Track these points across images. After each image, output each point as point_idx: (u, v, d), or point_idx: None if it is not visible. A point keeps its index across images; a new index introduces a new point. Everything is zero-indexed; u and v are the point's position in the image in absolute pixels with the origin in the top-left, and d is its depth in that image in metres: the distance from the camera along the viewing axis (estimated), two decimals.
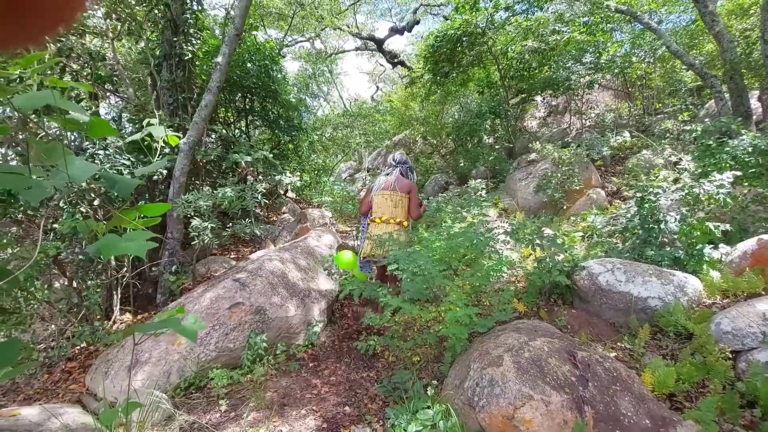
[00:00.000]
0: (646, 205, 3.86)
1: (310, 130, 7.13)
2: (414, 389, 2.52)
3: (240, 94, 6.01)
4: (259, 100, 5.99)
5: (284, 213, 7.73)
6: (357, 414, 2.56)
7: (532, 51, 7.92)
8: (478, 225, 4.47)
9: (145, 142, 4.34)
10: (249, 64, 5.56)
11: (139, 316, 4.30)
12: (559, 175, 6.57)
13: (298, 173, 5.80)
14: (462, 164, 9.73)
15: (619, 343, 2.99)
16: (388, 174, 3.72)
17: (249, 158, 4.40)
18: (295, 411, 2.61)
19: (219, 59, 4.08)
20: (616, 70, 7.78)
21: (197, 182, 4.59)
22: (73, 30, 3.93)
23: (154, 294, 4.45)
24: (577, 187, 6.46)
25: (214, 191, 3.84)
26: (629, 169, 6.99)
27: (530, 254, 5.24)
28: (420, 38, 15.91)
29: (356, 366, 3.23)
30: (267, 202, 4.07)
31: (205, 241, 3.69)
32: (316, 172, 7.37)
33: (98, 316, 4.11)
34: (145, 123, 1.18)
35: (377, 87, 23.57)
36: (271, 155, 5.07)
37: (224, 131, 4.94)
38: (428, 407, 2.14)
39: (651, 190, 3.87)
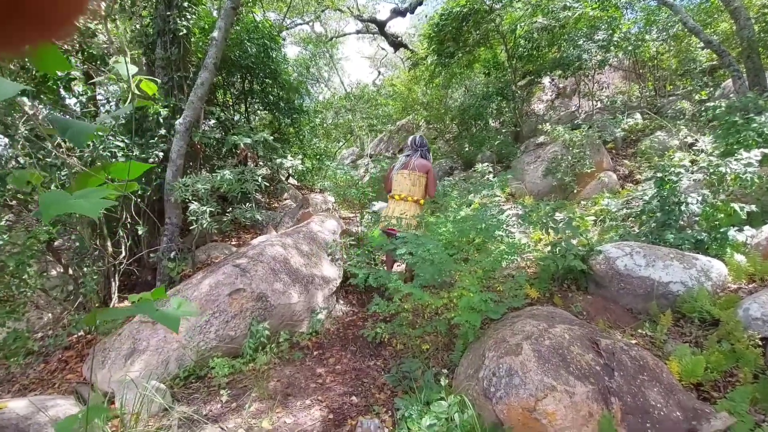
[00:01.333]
0: (666, 186, 3.66)
1: (312, 113, 6.91)
2: (424, 378, 2.38)
3: (239, 75, 5.79)
4: (258, 81, 5.77)
5: (286, 199, 7.57)
6: (364, 404, 2.43)
7: (541, 29, 7.61)
8: (488, 208, 4.30)
9: (137, 122, 4.17)
10: (247, 43, 5.33)
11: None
12: (569, 157, 6.35)
13: (300, 157, 5.61)
14: (467, 149, 9.49)
15: (639, 330, 2.84)
16: (408, 155, 3.94)
17: (248, 140, 4.21)
18: (299, 401, 2.49)
19: (215, 34, 3.87)
20: (629, 48, 7.48)
21: (196, 166, 4.42)
22: None
23: (153, 281, 4.33)
24: (588, 170, 6.24)
25: (213, 174, 3.67)
26: (642, 152, 6.76)
27: (541, 238, 5.08)
28: (423, 18, 15.45)
29: (362, 354, 3.10)
30: (267, 185, 3.90)
31: (204, 226, 3.54)
32: (318, 156, 7.17)
33: (96, 304, 4.00)
34: (111, 61, 1.00)
35: (379, 72, 23.12)
36: (272, 138, 4.89)
37: (222, 114, 4.74)
38: (442, 399, 2.00)
39: (672, 170, 3.67)
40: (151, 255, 4.03)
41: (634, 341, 2.70)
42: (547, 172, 6.68)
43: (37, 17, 0.25)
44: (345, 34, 18.58)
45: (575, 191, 6.38)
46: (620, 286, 3.20)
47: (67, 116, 3.84)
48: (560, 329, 2.11)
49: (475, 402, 1.96)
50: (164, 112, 4.04)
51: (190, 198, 3.73)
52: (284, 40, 10.93)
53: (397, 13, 16.98)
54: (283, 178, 8.80)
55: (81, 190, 0.62)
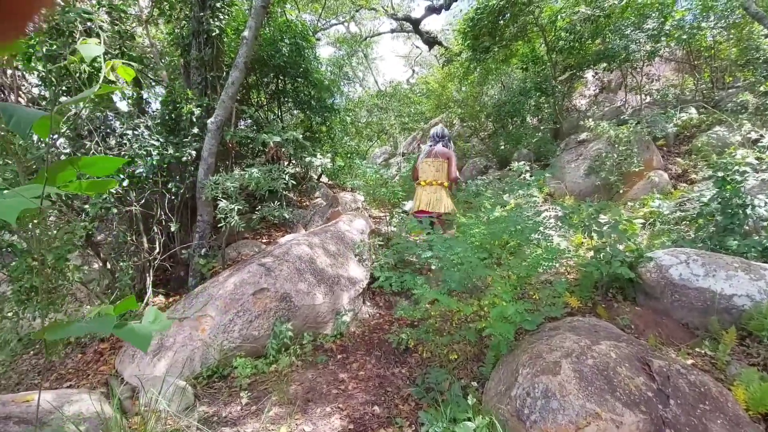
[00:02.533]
0: (729, 187, 3.28)
1: (343, 112, 6.86)
2: (451, 392, 2.22)
3: (272, 75, 5.83)
4: (291, 80, 5.78)
5: (317, 198, 7.58)
6: (387, 416, 2.30)
7: (584, 20, 7.16)
8: (524, 209, 4.05)
9: (173, 122, 4.25)
10: (280, 43, 5.35)
11: (170, 299, 4.28)
12: (615, 155, 5.92)
13: (329, 156, 5.56)
14: (502, 147, 9.13)
15: (696, 349, 2.53)
16: (430, 145, 4.49)
17: (278, 138, 4.20)
18: (319, 408, 2.40)
19: (245, 33, 3.87)
20: (683, 37, 6.88)
21: (228, 164, 4.46)
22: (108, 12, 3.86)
23: (186, 277, 4.41)
24: (636, 169, 5.79)
25: (242, 173, 3.67)
26: (698, 149, 6.19)
27: (582, 242, 4.75)
28: (458, 14, 15.11)
29: (387, 360, 2.97)
30: (294, 183, 3.86)
31: (231, 224, 3.54)
32: (349, 155, 7.12)
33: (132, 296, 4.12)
34: (78, 42, 0.93)
35: (413, 71, 22.91)
36: (302, 136, 4.86)
37: (255, 113, 4.76)
38: (468, 418, 1.84)
39: (735, 168, 3.28)
40: (183, 252, 4.10)
41: (690, 361, 2.40)
42: (589, 171, 6.27)
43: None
44: (379, 34, 18.53)
45: (621, 192, 5.94)
46: (674, 297, 2.88)
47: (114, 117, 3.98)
48: (605, 346, 1.89)
49: (508, 424, 1.78)
50: (197, 111, 4.09)
51: (220, 196, 3.75)
52: (319, 40, 11.00)
53: (432, 10, 16.71)
54: (315, 177, 8.85)
55: (18, 188, 0.53)
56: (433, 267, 3.70)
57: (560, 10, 7.44)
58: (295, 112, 6.92)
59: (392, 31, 18.49)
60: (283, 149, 4.74)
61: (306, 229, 6.03)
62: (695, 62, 8.68)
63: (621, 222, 3.30)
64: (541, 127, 9.07)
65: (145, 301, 4.13)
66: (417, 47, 20.91)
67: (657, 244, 3.80)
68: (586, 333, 2.19)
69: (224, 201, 3.57)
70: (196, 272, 4.23)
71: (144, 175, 3.71)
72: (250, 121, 5.29)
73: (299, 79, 5.78)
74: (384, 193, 4.85)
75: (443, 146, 4.38)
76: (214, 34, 4.06)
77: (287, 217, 4.11)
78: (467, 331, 2.48)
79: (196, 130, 4.06)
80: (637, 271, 3.23)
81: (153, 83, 5.12)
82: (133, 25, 3.81)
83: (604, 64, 7.51)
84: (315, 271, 3.46)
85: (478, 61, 8.39)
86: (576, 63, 7.74)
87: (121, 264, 3.89)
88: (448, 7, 16.34)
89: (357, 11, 13.63)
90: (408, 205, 5.86)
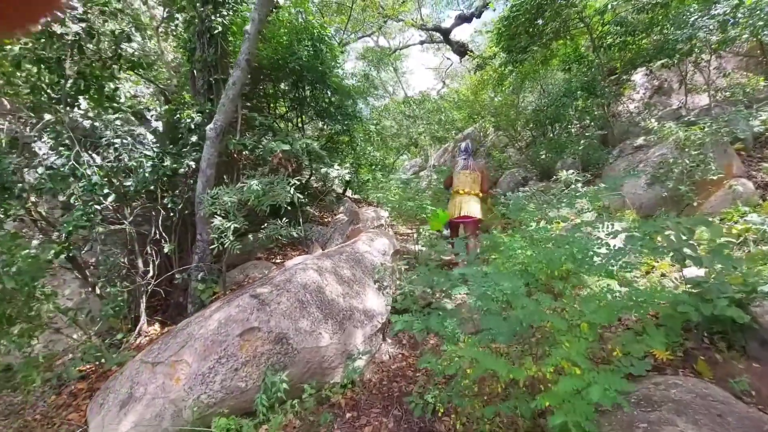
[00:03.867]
0: None
1: (366, 121, 6.33)
2: None
3: (290, 80, 5.40)
4: (309, 85, 5.32)
5: (340, 213, 7.05)
6: None
7: (637, 10, 6.32)
8: (579, 226, 3.28)
9: (173, 129, 3.83)
10: (297, 46, 4.92)
11: (166, 328, 3.80)
12: (686, 161, 4.98)
13: (349, 167, 5.01)
14: (543, 156, 8.28)
15: None
16: (465, 158, 4.76)
17: (287, 147, 3.68)
18: None
19: (248, 27, 3.41)
20: (760, 24, 5.87)
21: (233, 177, 3.99)
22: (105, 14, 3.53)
23: (186, 303, 3.93)
24: (714, 177, 4.82)
25: (240, 185, 3.15)
26: None
27: (652, 267, 3.90)
28: (489, 23, 14.42)
29: (409, 425, 2.27)
30: (302, 197, 3.29)
31: (226, 245, 3.00)
32: (373, 166, 6.55)
33: (123, 327, 3.67)
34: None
35: (444, 83, 22.39)
36: (317, 145, 4.33)
37: (273, 122, 4.31)
38: None
39: None
40: (177, 276, 3.61)
41: None
42: (653, 180, 5.33)
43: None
44: (408, 45, 18.19)
45: (694, 204, 4.96)
46: None
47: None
48: None
49: None
50: (198, 117, 3.65)
51: (219, 212, 3.24)
52: (343, 53, 10.66)
53: (463, 19, 16.18)
54: (339, 191, 8.35)
55: None
56: (467, 299, 3.00)
57: (607, 5, 6.63)
58: (317, 121, 6.48)
59: (422, 42, 18.09)
60: (291, 159, 4.22)
61: (325, 248, 5.46)
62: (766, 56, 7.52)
63: (726, 246, 2.47)
64: (586, 134, 8.16)
65: (137, 330, 3.67)
66: (447, 58, 20.42)
67: (765, 273, 2.89)
68: (704, 416, 1.42)
69: (219, 218, 3.04)
70: (195, 298, 3.73)
71: (133, 189, 3.26)
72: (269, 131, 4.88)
73: (318, 85, 5.32)
74: (411, 208, 4.20)
75: (474, 160, 4.82)
76: (216, 32, 3.64)
77: (295, 236, 3.53)
78: (518, 401, 1.75)
79: (195, 139, 3.61)
80: (749, 311, 2.38)
81: (160, 90, 4.80)
82: (130, 25, 3.43)
83: (662, 60, 6.59)
84: (322, 303, 2.84)
85: (515, 63, 7.67)
86: (628, 60, 6.85)
87: (110, 290, 3.45)
88: (479, 15, 15.78)
89: (384, 22, 13.26)
90: (446, 231, 5.18)
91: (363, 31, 14.62)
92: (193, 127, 3.58)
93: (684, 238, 2.43)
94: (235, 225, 3.06)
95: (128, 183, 3.22)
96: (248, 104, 4.75)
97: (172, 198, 3.57)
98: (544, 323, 1.78)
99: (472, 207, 4.50)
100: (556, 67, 8.45)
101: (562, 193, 5.28)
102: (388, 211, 5.15)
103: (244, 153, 4.19)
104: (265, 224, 3.69)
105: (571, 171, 5.75)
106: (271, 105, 5.81)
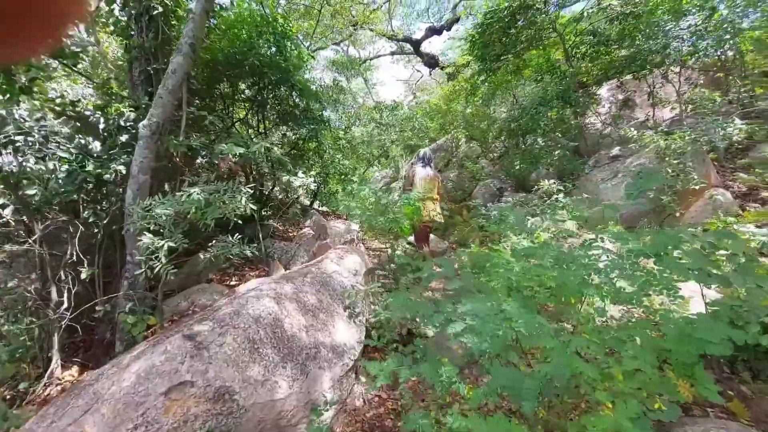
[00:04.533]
0: None
1: (335, 128, 5.85)
2: None
3: (251, 80, 4.84)
4: (271, 85, 4.78)
5: (306, 227, 6.47)
6: None
7: (610, 19, 6.28)
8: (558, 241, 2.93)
9: (97, 126, 3.18)
10: (257, 41, 4.40)
11: (87, 373, 3.08)
12: (667, 170, 4.82)
13: (315, 175, 4.49)
14: (517, 167, 8.10)
15: None
16: (424, 166, 4.94)
17: (241, 150, 3.12)
18: None
19: (193, 5, 2.87)
20: (726, 36, 5.94)
21: (174, 184, 3.36)
22: None
23: (114, 339, 3.23)
24: (697, 187, 4.68)
25: (178, 195, 2.56)
26: (761, 163, 5.12)
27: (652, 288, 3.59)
28: (463, 32, 14.42)
29: None
30: (254, 208, 2.73)
31: (155, 269, 2.40)
32: (343, 176, 6.05)
33: (31, 372, 2.93)
34: None
35: (414, 95, 22.34)
36: (279, 150, 3.80)
37: (217, 118, 3.73)
38: None
39: None
40: (103, 306, 2.93)
41: None
42: (633, 190, 5.15)
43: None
44: (379, 56, 17.98)
45: (677, 214, 4.80)
46: None
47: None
48: None
49: None
50: (131, 113, 3.03)
51: (151, 227, 2.62)
52: (313, 58, 10.19)
53: (433, 31, 16.18)
54: (306, 202, 7.76)
55: None
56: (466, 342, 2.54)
57: (582, 12, 6.57)
58: (283, 129, 5.92)
59: (392, 53, 17.94)
60: (250, 166, 3.66)
61: (289, 267, 4.87)
62: (726, 70, 7.74)
63: (755, 262, 2.15)
64: (559, 145, 8.07)
65: (47, 374, 2.94)
66: (418, 71, 20.39)
67: None
68: None
69: (148, 235, 2.44)
70: (124, 334, 3.05)
71: (41, 199, 2.60)
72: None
73: (281, 86, 4.79)
74: (383, 223, 3.73)
75: (431, 168, 5.03)
76: (156, 12, 3.06)
77: (249, 255, 2.96)
78: None
79: (126, 138, 2.98)
80: None
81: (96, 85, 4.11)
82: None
83: (633, 72, 6.57)
84: (280, 340, 2.28)
85: (488, 71, 7.48)
86: (600, 71, 6.80)
87: (10, 327, 2.72)
88: (449, 28, 15.84)
89: (354, 28, 12.92)
90: (410, 238, 4.84)
91: (332, 38, 14.23)
92: (123, 124, 2.95)
93: (705, 252, 2.09)
94: (170, 244, 2.46)
95: (32, 191, 2.55)
96: (199, 103, 4.15)
97: (95, 211, 2.90)
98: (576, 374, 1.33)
99: (434, 213, 4.76)
100: (528, 78, 8.36)
101: (545, 204, 5.00)
102: (359, 225, 4.65)
103: (192, 158, 3.58)
104: (214, 241, 3.09)
105: (552, 181, 5.48)
106: (229, 107, 5.21)
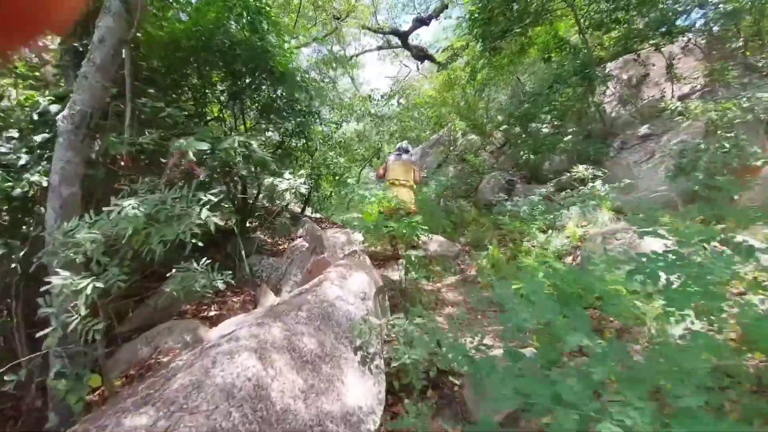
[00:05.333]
0: None
1: (327, 120, 5.07)
2: None
3: (223, 68, 4.04)
4: (248, 72, 3.99)
5: (298, 238, 5.67)
6: None
7: None
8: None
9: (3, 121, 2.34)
10: (230, 22, 3.62)
11: None
12: (723, 144, 4.10)
13: (305, 176, 3.70)
14: (524, 156, 7.37)
15: None
16: (398, 154, 4.89)
17: (205, 146, 2.32)
18: None
19: None
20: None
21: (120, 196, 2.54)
22: None
23: (46, 410, 2.42)
24: (758, 162, 3.97)
25: (107, 212, 1.76)
26: None
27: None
28: (451, 24, 13.66)
29: None
30: (219, 223, 1.93)
31: (72, 325, 1.61)
32: (337, 177, 5.26)
33: None
34: None
35: (403, 92, 21.55)
36: (258, 146, 3.02)
37: (176, 109, 2.93)
38: None
39: None
40: (19, 369, 2.12)
41: None
42: (677, 172, 4.44)
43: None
44: (365, 51, 17.19)
45: (735, 197, 4.09)
46: None
47: None
48: None
49: None
50: (52, 106, 2.23)
51: (77, 257, 1.82)
52: (294, 54, 9.37)
53: (421, 21, 15.41)
54: (298, 209, 6.95)
55: None
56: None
57: None
58: (265, 124, 5.10)
59: (379, 48, 17.15)
60: (232, 168, 2.87)
61: (280, 290, 4.08)
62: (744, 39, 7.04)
63: None
64: (573, 129, 7.35)
65: None
66: (405, 66, 19.62)
67: None
68: None
69: (63, 273, 1.64)
70: (57, 402, 2.25)
71: None
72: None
73: (259, 72, 4.00)
74: (396, 230, 2.96)
75: (408, 156, 4.99)
76: None
77: (221, 287, 2.17)
78: None
79: (42, 138, 2.18)
80: None
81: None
82: None
83: (655, 43, 5.85)
84: (265, 422, 1.50)
85: (491, 51, 6.74)
86: (619, 41, 6.08)
87: None
88: (437, 16, 15.11)
89: (338, 20, 12.10)
90: None
91: (315, 33, 13.40)
92: (39, 118, 2.15)
93: None
94: (98, 284, 1.66)
95: None
96: (156, 93, 3.33)
97: (5, 241, 2.09)
98: None
99: (406, 197, 4.56)
100: (534, 58, 7.64)
101: (580, 194, 4.27)
102: (362, 234, 3.86)
103: (146, 162, 2.79)
104: (175, 269, 2.28)
105: (585, 166, 4.74)
106: (200, 100, 4.39)
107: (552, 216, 4.53)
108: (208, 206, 1.81)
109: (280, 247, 5.67)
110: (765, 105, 4.12)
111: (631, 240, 3.35)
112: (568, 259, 4.13)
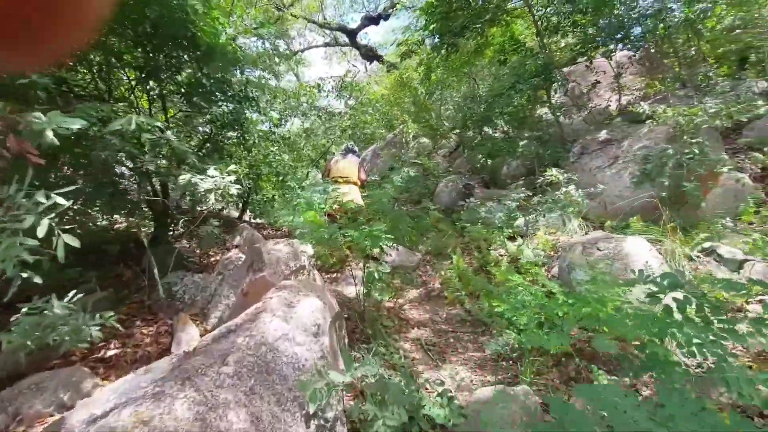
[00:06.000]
0: None
1: (266, 111, 4.31)
2: None
3: (130, 35, 3.14)
4: (162, 41, 3.14)
5: (234, 247, 4.82)
6: None
7: None
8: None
9: None
10: None
11: None
12: (679, 153, 3.98)
13: (240, 173, 2.95)
14: (482, 160, 7.12)
15: None
16: (344, 154, 5.04)
17: (78, 124, 1.52)
18: None
19: None
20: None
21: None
22: None
23: None
24: (724, 169, 3.90)
25: None
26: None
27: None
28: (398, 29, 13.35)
29: None
30: (72, 243, 1.18)
31: None
32: (280, 178, 4.50)
33: None
34: None
35: (349, 94, 20.94)
36: (173, 133, 2.24)
37: (50, 82, 2.07)
38: None
39: None
40: None
41: None
42: (643, 178, 4.29)
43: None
44: (312, 47, 16.34)
45: (702, 204, 3.99)
46: None
47: None
48: None
49: None
50: None
51: None
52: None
53: (370, 20, 14.95)
54: (236, 213, 6.03)
55: None
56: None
57: None
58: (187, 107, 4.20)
59: (326, 44, 16.41)
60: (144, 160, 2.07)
61: (207, 316, 3.26)
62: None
63: None
64: (528, 133, 7.23)
65: None
66: (354, 65, 19.04)
67: None
68: None
69: None
70: None
71: None
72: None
73: (179, 46, 3.17)
74: (355, 241, 2.33)
75: (353, 155, 5.00)
76: None
77: (96, 335, 1.40)
78: None
79: None
80: None
81: None
82: None
83: (607, 48, 5.84)
84: None
85: (450, 46, 6.37)
86: (577, 46, 6.00)
87: None
88: (386, 17, 14.74)
89: (281, 11, 11.21)
90: None
91: (255, 15, 12.32)
92: None
93: None
94: None
95: None
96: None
97: None
98: None
99: (352, 195, 4.56)
100: (488, 60, 7.44)
101: (549, 200, 3.94)
102: (311, 247, 3.17)
103: None
104: (24, 310, 1.46)
105: (557, 170, 4.44)
106: (106, 74, 3.44)
107: (521, 223, 4.18)
108: (53, 215, 1.06)
109: (212, 260, 4.78)
110: (715, 111, 4.08)
111: (616, 249, 3.03)
112: (542, 270, 3.77)
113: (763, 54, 5.81)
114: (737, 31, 6.24)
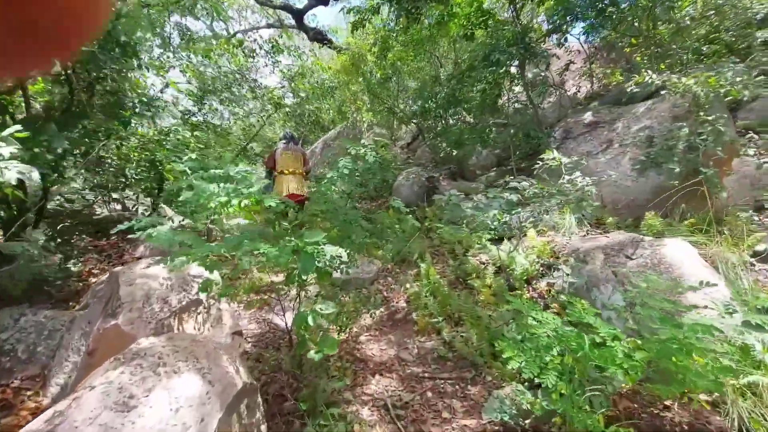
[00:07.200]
0: None
1: (154, 64, 3.03)
2: None
3: None
4: None
5: (137, 258, 3.53)
6: None
7: None
8: None
9: None
10: None
11: None
12: (693, 132, 3.24)
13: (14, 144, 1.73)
14: (446, 149, 6.21)
15: None
16: (286, 143, 4.74)
17: None
18: None
19: None
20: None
21: None
22: None
23: None
24: (741, 152, 3.21)
25: None
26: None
27: None
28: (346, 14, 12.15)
29: None
30: None
31: None
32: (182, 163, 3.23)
33: None
34: None
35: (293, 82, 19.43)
36: None
37: None
38: None
39: None
40: None
41: None
42: (647, 163, 3.53)
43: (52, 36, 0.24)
44: (254, 28, 14.66)
45: (724, 194, 3.27)
46: None
47: None
48: None
49: None
50: None
51: None
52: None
53: (318, 0, 13.66)
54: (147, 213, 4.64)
55: None
56: None
57: None
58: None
59: (269, 26, 14.82)
60: None
61: (48, 383, 2.01)
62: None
63: None
64: (500, 118, 6.43)
65: None
66: (303, 51, 17.48)
67: None
68: None
69: None
70: None
71: None
72: None
73: None
74: (272, 261, 1.23)
75: (294, 144, 4.86)
76: None
77: None
78: None
79: None
80: None
81: None
82: None
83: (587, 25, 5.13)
84: None
85: (409, 16, 5.36)
86: (552, 14, 5.21)
87: None
88: None
89: None
90: None
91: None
92: None
93: None
94: None
95: None
96: None
97: None
98: None
99: (300, 186, 4.54)
100: (453, 34, 6.52)
101: (562, 190, 3.05)
102: (215, 275, 1.98)
103: None
104: None
105: (556, 156, 3.55)
106: None
107: (506, 220, 3.26)
108: None
109: (92, 281, 3.42)
110: (742, 81, 3.40)
111: (654, 257, 2.16)
112: (542, 284, 2.86)
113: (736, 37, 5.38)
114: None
